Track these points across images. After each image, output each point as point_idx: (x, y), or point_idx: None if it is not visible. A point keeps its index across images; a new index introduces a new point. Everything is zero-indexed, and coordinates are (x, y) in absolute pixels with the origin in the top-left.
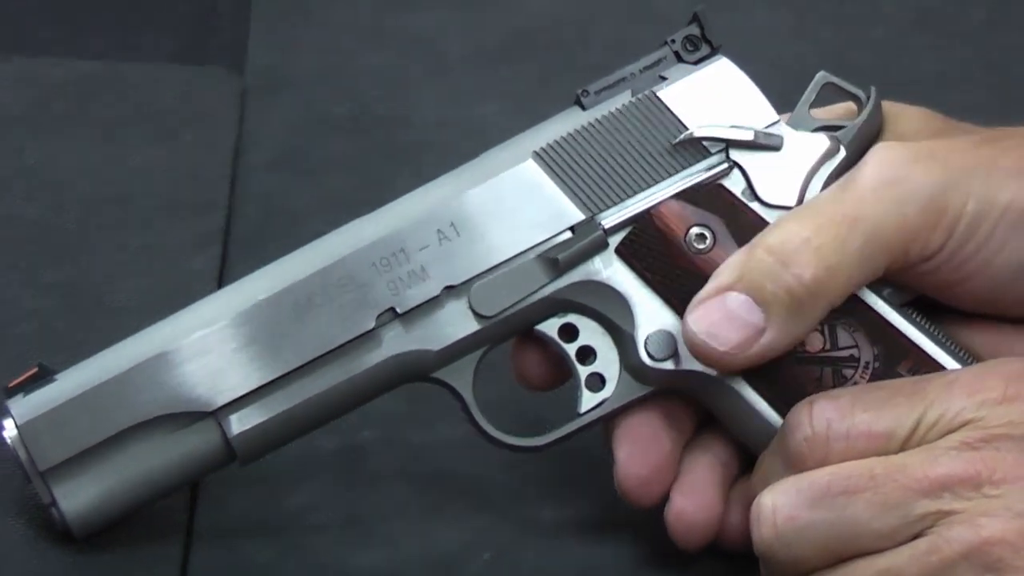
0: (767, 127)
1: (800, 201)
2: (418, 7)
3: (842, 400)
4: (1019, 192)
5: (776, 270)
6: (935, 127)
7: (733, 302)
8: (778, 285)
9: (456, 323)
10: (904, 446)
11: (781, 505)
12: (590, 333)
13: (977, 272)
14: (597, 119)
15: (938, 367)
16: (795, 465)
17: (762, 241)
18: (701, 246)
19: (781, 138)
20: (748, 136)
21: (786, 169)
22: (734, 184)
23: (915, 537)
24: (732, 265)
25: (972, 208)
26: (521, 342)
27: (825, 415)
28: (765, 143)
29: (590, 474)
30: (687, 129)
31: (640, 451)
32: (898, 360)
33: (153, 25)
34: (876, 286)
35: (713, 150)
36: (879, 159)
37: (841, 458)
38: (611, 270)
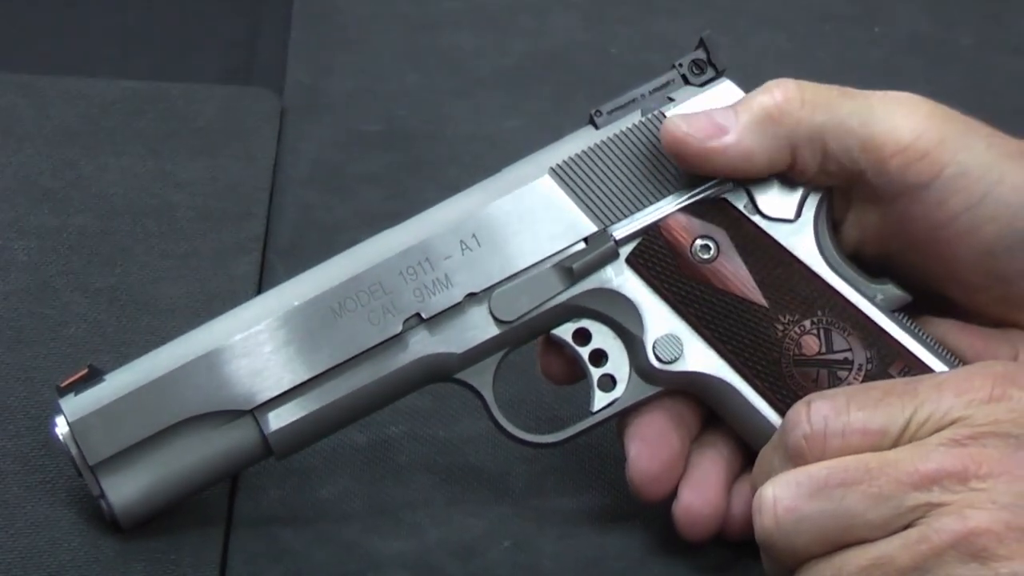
0: None
1: (798, 215)
2: (446, 31)
3: (838, 399)
4: (1019, 176)
5: (756, 93)
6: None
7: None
8: (754, 101)
9: (477, 328)
10: (897, 442)
11: (781, 496)
12: (602, 337)
13: (966, 233)
14: (609, 137)
15: (927, 369)
16: (794, 460)
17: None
18: (706, 256)
19: None
20: None
21: (785, 185)
22: (737, 198)
23: (906, 527)
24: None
25: (964, 160)
26: (546, 342)
27: (822, 413)
28: None
29: (603, 468)
30: None
31: (649, 449)
32: (890, 363)
33: (199, 48)
34: (869, 291)
35: None
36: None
37: (837, 453)
38: (622, 278)
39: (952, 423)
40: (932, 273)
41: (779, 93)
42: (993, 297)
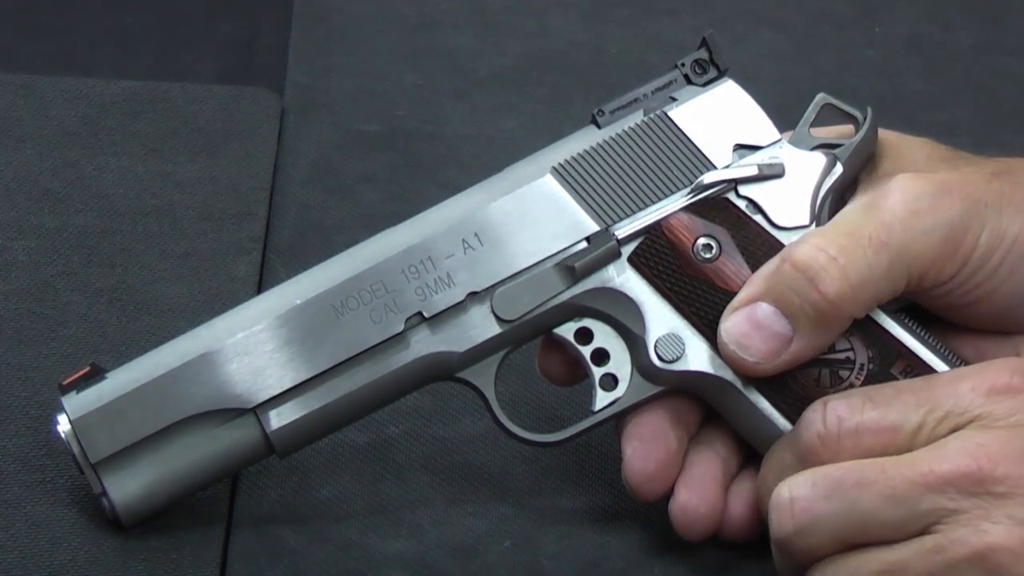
0: (770, 145)
1: (814, 220)
2: (445, 32)
3: (853, 399)
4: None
5: (803, 285)
6: (941, 155)
7: (762, 313)
8: (805, 299)
9: (479, 327)
10: (913, 441)
11: (798, 496)
12: (604, 336)
13: (984, 298)
14: (611, 137)
15: (929, 369)
16: (808, 460)
17: (789, 256)
18: (708, 255)
19: (782, 165)
20: (752, 172)
21: (792, 192)
22: (739, 198)
23: (922, 533)
24: (761, 277)
25: (985, 240)
26: (546, 342)
27: (837, 413)
28: (768, 174)
29: (603, 467)
30: (696, 146)
31: (645, 448)
32: (891, 362)
33: (199, 48)
34: None
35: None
36: (904, 188)
37: (851, 453)
38: (624, 277)
39: (971, 421)
40: (949, 319)
41: (831, 290)
42: (1011, 328)
